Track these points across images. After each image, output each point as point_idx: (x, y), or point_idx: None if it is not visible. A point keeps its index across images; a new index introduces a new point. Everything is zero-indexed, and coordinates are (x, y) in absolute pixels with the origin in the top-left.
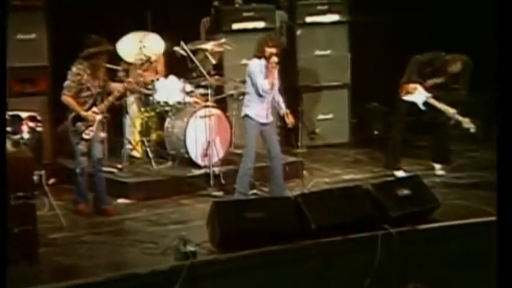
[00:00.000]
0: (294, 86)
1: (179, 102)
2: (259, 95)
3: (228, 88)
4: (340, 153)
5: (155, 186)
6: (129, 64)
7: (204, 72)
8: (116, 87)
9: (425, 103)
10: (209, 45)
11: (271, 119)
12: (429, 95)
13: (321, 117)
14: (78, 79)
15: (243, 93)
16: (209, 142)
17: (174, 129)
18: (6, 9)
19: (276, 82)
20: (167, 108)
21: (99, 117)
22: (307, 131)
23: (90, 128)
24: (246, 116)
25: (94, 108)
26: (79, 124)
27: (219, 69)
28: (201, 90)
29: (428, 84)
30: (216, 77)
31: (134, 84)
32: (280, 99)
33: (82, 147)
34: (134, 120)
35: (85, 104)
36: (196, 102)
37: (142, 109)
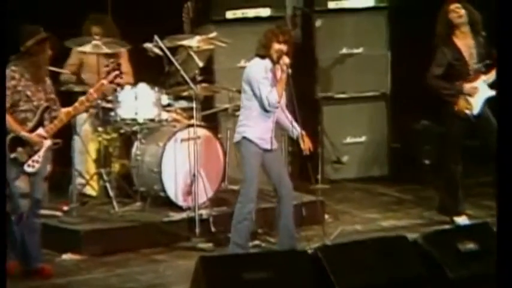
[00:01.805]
0: (311, 97)
1: (152, 120)
2: (264, 110)
3: (221, 100)
4: (377, 191)
5: (117, 236)
6: (79, 64)
7: (187, 78)
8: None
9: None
10: (194, 41)
11: (275, 144)
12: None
13: (349, 140)
14: (12, 85)
15: (241, 108)
16: (194, 175)
17: (145, 158)
18: (6, 10)
19: (287, 92)
20: (135, 128)
21: (48, 142)
22: (330, 160)
23: (35, 157)
24: (245, 139)
25: (40, 130)
26: (20, 150)
27: (207, 74)
28: (183, 103)
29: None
30: (204, 84)
31: (96, 95)
32: (286, 117)
33: (22, 184)
34: (88, 144)
35: (26, 122)
36: (176, 120)
37: (100, 129)
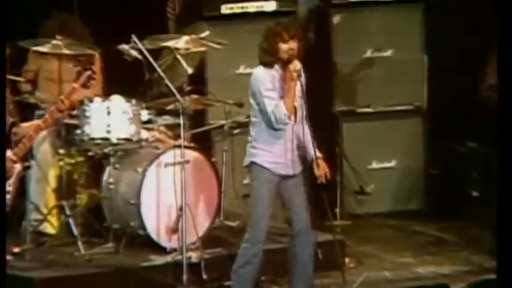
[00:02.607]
0: (328, 112)
1: (129, 140)
2: (273, 129)
3: (215, 116)
4: (411, 228)
5: (83, 285)
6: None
7: (173, 88)
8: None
9: None
10: (181, 42)
11: (298, 169)
12: None
13: (375, 165)
14: None
15: (240, 125)
16: (181, 209)
17: (119, 187)
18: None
19: (300, 105)
20: (107, 149)
21: (18, 167)
22: (351, 190)
23: (6, 187)
24: (254, 164)
25: (8, 153)
26: None
27: (198, 82)
28: (168, 120)
29: None
30: (194, 96)
31: (68, 104)
32: (306, 135)
33: None
34: (46, 170)
35: None
36: (159, 140)
37: (62, 151)
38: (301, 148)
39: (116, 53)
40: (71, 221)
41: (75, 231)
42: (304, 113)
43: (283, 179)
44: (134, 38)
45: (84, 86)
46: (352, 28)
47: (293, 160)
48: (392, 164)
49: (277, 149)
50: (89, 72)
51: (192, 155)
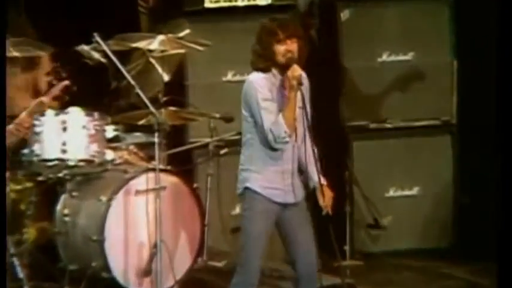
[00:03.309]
0: (335, 128)
1: (90, 162)
2: (270, 148)
3: (198, 132)
4: (437, 270)
5: None
6: None
7: (146, 99)
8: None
9: None
10: (156, 43)
11: (301, 195)
12: None
13: (394, 193)
14: None
15: (228, 144)
16: (155, 246)
17: (78, 219)
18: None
19: (301, 118)
20: (62, 173)
21: None
22: (363, 223)
23: None
24: (248, 190)
25: None
26: None
27: (177, 92)
28: (139, 137)
29: None
30: (172, 108)
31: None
32: (308, 156)
33: None
34: None
35: None
36: (128, 162)
37: (5, 175)
38: (303, 171)
39: (74, 56)
40: (15, 260)
41: (21, 273)
42: (306, 128)
43: (282, 208)
44: (97, 37)
45: (56, 99)
46: (365, 26)
47: (294, 185)
48: (414, 191)
49: (275, 172)
50: (65, 83)
51: (169, 180)
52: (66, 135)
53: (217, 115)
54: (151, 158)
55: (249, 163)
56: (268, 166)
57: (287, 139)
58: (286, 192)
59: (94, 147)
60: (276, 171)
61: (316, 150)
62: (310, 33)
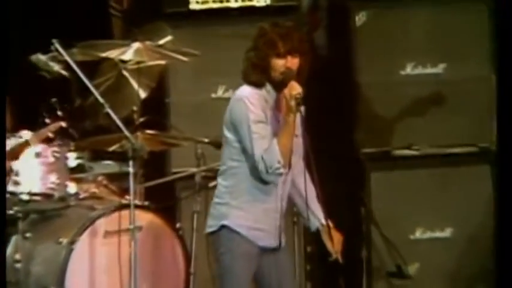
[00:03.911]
0: (348, 156)
1: (48, 196)
2: (260, 180)
3: (181, 160)
4: None
5: None
6: None
7: (118, 120)
8: None
9: None
10: (130, 53)
11: (284, 239)
12: None
13: (421, 235)
14: None
15: (218, 174)
16: None
17: (32, 266)
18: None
19: (298, 146)
20: (13, 210)
21: None
22: (383, 271)
23: None
24: (226, 229)
25: None
26: None
27: (156, 111)
28: (110, 166)
29: None
30: (149, 131)
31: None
32: (310, 191)
33: None
34: None
35: None
36: (95, 197)
37: None
38: (300, 208)
39: (27, 67)
40: None
41: None
42: (301, 157)
43: (263, 254)
44: (56, 44)
45: (47, 141)
46: (385, 31)
47: (281, 227)
48: (446, 233)
49: (262, 210)
50: (60, 124)
51: (146, 218)
52: (17, 164)
53: (206, 139)
54: (124, 192)
55: (229, 196)
56: (255, 202)
57: (281, 170)
58: (272, 235)
59: (52, 178)
60: (263, 209)
61: (318, 182)
62: (314, 37)
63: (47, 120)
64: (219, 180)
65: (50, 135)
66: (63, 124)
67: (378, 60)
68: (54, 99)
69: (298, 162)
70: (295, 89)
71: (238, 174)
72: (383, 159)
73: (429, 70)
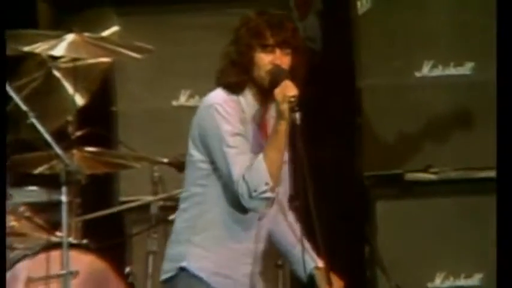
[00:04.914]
0: (349, 179)
1: None
2: (236, 208)
3: (133, 188)
4: None
5: None
6: None
7: (46, 134)
8: None
9: None
10: (62, 47)
11: (260, 285)
12: None
13: (441, 282)
14: None
15: (180, 204)
16: None
17: None
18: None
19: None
20: None
21: None
22: None
23: None
24: (185, 273)
25: None
26: None
27: (99, 123)
28: (35, 194)
29: None
30: (90, 148)
31: None
32: (300, 228)
33: None
34: None
35: None
36: (15, 233)
37: None
38: (285, 247)
39: None
40: None
41: None
42: (287, 191)
43: None
44: None
45: None
46: (394, 22)
47: (253, 275)
48: (474, 280)
49: (232, 251)
50: None
51: (84, 261)
52: None
53: (165, 160)
54: (54, 227)
55: (190, 231)
56: (223, 239)
57: (268, 194)
58: (240, 285)
59: None
60: (233, 251)
61: (312, 214)
62: (304, 27)
63: None
64: (179, 211)
65: None
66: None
67: (385, 58)
68: None
69: (282, 195)
70: (289, 89)
71: (203, 203)
72: (392, 185)
73: (452, 71)
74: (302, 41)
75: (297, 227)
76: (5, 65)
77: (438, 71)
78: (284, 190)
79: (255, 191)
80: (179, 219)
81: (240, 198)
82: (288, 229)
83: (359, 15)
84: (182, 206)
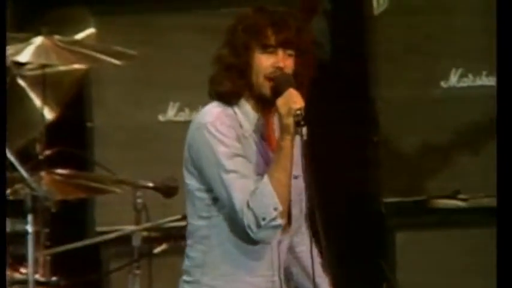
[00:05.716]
0: (364, 206)
1: None
2: (245, 240)
3: (111, 216)
4: None
5: None
6: None
7: (10, 155)
8: None
9: None
10: (29, 53)
11: None
12: None
13: None
14: None
15: (168, 235)
16: None
17: None
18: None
19: (302, 189)
20: None
21: None
22: None
23: None
24: None
25: None
26: None
27: (72, 140)
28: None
29: None
30: (61, 171)
31: None
32: (315, 256)
33: None
34: None
35: None
36: None
37: None
38: (299, 281)
39: None
40: None
41: None
42: (303, 209)
43: None
44: None
45: None
46: (415, 24)
47: None
48: None
49: (248, 285)
50: None
51: None
52: None
53: (150, 184)
54: (18, 262)
55: (200, 271)
56: (238, 275)
57: (279, 221)
58: None
59: None
60: (251, 285)
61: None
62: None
63: None
64: (187, 247)
65: None
66: None
67: (405, 66)
68: None
69: (298, 216)
70: (295, 100)
71: (210, 236)
72: (414, 213)
73: (484, 81)
74: (309, 41)
75: (314, 254)
76: (5, 65)
77: (468, 81)
78: (298, 208)
79: (264, 219)
80: (187, 257)
81: (247, 229)
82: (301, 258)
83: (375, 15)
84: (188, 242)
